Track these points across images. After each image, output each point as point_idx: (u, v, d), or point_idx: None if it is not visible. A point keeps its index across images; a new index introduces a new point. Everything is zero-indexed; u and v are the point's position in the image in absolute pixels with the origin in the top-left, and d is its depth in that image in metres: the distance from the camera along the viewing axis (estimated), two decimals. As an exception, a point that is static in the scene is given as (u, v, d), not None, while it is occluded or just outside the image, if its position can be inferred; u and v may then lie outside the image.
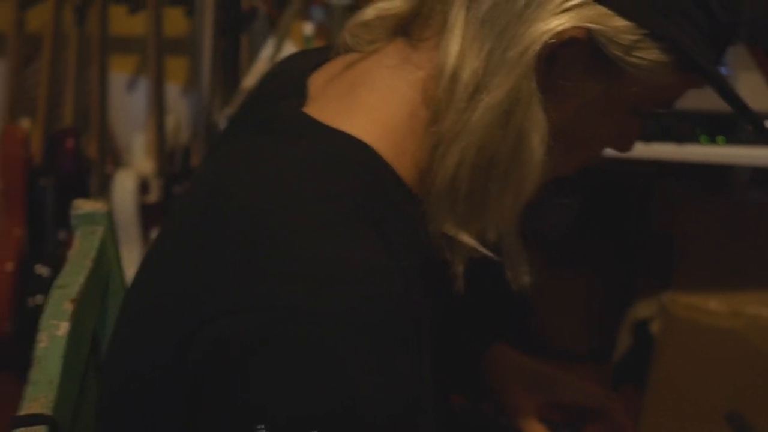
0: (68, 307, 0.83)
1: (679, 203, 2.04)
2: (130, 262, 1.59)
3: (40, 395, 0.75)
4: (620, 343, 2.11)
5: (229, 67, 2.16)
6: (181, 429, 0.72)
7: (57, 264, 2.05)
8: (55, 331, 0.80)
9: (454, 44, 0.72)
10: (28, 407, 0.74)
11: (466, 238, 0.75)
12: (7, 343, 2.06)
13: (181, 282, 0.72)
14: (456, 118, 0.72)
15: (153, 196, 2.14)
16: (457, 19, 0.73)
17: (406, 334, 0.69)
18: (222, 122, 1.74)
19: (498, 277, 0.80)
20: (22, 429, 0.72)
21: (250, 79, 1.81)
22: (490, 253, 0.76)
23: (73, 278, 0.86)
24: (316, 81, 0.83)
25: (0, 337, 2.06)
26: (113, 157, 2.27)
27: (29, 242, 2.08)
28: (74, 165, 2.10)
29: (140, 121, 2.30)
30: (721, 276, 1.89)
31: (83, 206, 0.96)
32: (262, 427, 0.64)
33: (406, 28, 0.79)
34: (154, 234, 2.14)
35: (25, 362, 2.02)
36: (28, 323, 2.02)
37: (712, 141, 1.56)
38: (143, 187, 2.13)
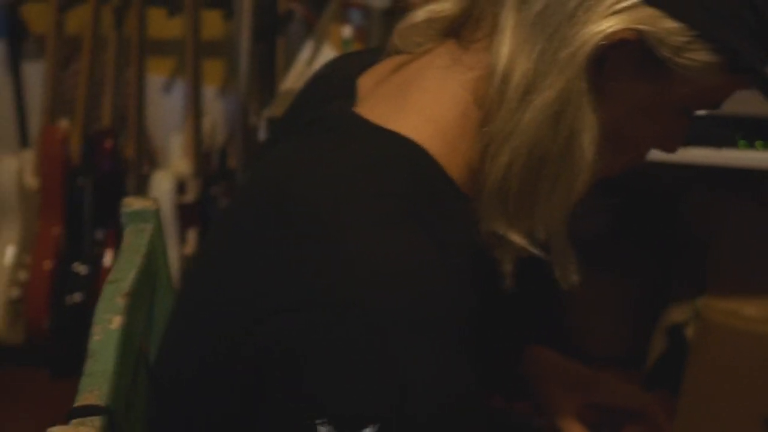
0: (121, 301, 0.84)
1: (716, 208, 2.03)
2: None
3: (95, 387, 0.76)
4: (654, 347, 2.10)
5: (266, 70, 2.18)
6: (236, 427, 0.73)
7: (94, 263, 2.08)
8: (108, 324, 0.82)
9: (505, 45, 0.73)
10: (83, 398, 0.75)
11: (516, 237, 0.76)
12: (45, 340, 2.08)
13: (237, 280, 0.73)
14: (507, 118, 0.73)
15: (190, 196, 2.16)
16: (508, 21, 0.73)
17: (459, 332, 0.70)
18: (259, 124, 1.76)
19: (534, 277, 0.80)
20: (79, 419, 0.73)
21: (288, 81, 1.82)
22: (539, 252, 0.76)
23: (125, 273, 0.88)
24: (366, 82, 0.84)
25: (38, 335, 2.08)
26: (150, 157, 2.30)
27: (67, 241, 2.10)
28: (112, 165, 2.13)
29: (177, 123, 2.32)
30: (757, 281, 1.88)
31: (133, 204, 0.97)
32: (324, 420, 0.65)
33: (457, 30, 0.79)
34: (190, 234, 2.16)
35: (61, 360, 2.02)
36: (66, 321, 2.05)
37: (751, 146, 1.54)
38: (180, 187, 2.15)
